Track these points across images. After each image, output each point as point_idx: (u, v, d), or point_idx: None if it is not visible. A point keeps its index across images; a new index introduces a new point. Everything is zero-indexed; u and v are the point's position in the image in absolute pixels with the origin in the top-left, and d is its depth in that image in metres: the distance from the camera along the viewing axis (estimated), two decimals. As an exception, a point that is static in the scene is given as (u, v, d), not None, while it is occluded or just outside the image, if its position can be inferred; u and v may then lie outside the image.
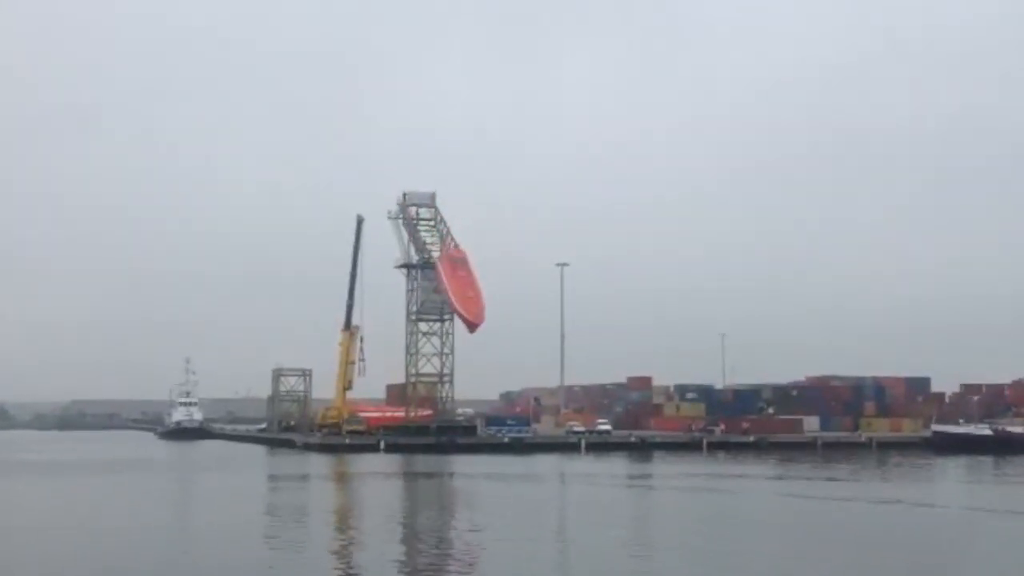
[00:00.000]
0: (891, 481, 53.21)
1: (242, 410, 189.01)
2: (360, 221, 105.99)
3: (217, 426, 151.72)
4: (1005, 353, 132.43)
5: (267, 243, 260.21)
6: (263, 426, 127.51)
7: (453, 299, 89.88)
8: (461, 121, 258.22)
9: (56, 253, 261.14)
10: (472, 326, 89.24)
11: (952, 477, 56.94)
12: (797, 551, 25.95)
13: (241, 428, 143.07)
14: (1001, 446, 74.54)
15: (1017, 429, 80.00)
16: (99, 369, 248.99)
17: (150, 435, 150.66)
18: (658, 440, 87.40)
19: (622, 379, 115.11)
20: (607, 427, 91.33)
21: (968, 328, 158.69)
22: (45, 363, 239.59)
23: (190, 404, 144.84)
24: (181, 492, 51.12)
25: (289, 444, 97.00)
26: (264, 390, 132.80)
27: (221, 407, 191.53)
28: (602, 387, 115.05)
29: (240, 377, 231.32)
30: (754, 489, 48.00)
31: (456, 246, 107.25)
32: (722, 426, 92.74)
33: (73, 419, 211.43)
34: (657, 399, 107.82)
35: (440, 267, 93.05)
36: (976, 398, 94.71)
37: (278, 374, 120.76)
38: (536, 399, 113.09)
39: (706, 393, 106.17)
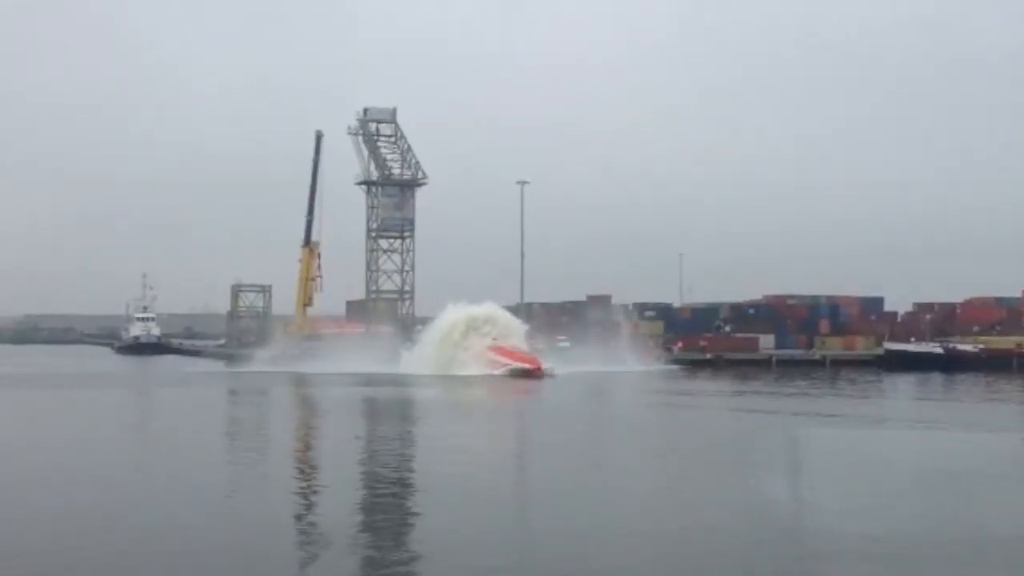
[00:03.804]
0: (844, 397, 54.22)
1: (200, 326, 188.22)
2: (319, 136, 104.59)
3: (175, 341, 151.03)
4: (957, 273, 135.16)
5: (225, 157, 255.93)
6: (222, 342, 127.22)
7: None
8: (424, 35, 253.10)
9: (9, 159, 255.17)
10: None
11: (902, 394, 58.19)
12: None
13: (199, 343, 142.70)
14: (951, 364, 76.24)
15: (967, 347, 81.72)
16: (54, 282, 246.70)
17: (106, 350, 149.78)
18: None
19: (582, 297, 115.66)
20: (567, 344, 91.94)
21: (921, 248, 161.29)
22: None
23: (147, 319, 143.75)
24: (140, 405, 50.99)
25: (249, 359, 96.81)
26: (222, 306, 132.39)
27: (178, 322, 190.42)
28: (561, 305, 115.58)
29: (197, 292, 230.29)
30: (707, 404, 48.83)
31: (417, 162, 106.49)
32: (680, 344, 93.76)
33: (27, 333, 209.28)
34: (616, 317, 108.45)
35: None
36: (928, 317, 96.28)
37: (237, 290, 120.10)
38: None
39: (665, 311, 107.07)
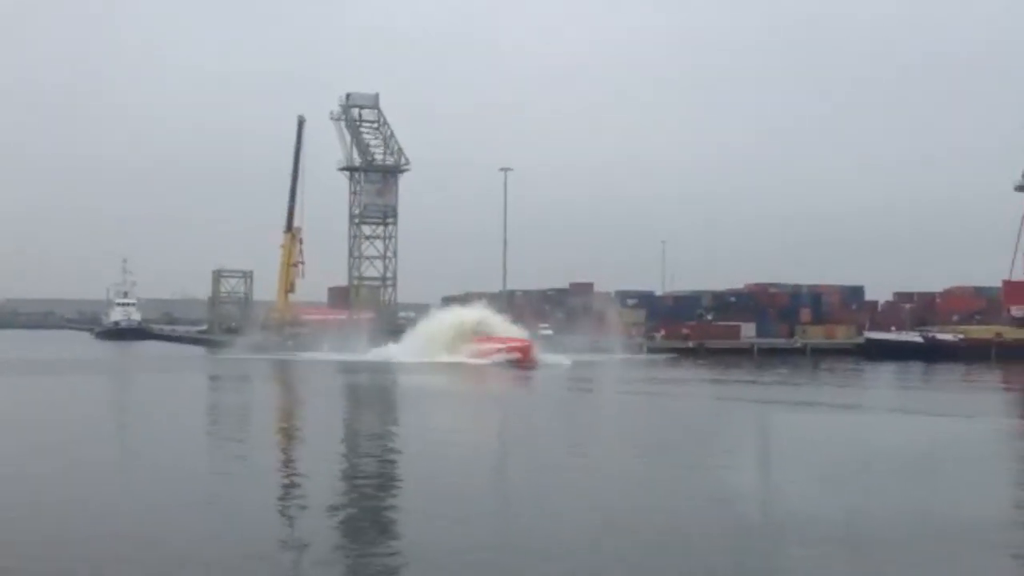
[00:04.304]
0: (822, 385, 54.64)
1: (180, 311, 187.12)
2: (301, 122, 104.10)
3: (156, 327, 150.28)
4: (936, 262, 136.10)
5: (208, 142, 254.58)
6: (204, 327, 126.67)
7: None
8: (413, 24, 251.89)
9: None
10: None
11: (881, 382, 58.68)
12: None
13: (180, 329, 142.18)
14: (930, 353, 76.87)
15: (946, 337, 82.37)
16: (33, 267, 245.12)
17: (86, 335, 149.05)
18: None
19: (564, 285, 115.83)
20: (549, 332, 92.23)
21: (901, 237, 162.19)
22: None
23: (128, 304, 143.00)
24: (124, 392, 50.82)
25: (231, 345, 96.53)
26: (202, 291, 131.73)
27: (158, 307, 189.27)
28: (543, 293, 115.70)
29: (177, 277, 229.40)
30: (689, 392, 49.09)
31: (400, 148, 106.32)
32: (662, 332, 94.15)
33: (7, 317, 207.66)
34: (599, 305, 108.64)
35: None
36: (908, 306, 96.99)
37: (218, 275, 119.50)
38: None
39: (647, 299, 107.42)
